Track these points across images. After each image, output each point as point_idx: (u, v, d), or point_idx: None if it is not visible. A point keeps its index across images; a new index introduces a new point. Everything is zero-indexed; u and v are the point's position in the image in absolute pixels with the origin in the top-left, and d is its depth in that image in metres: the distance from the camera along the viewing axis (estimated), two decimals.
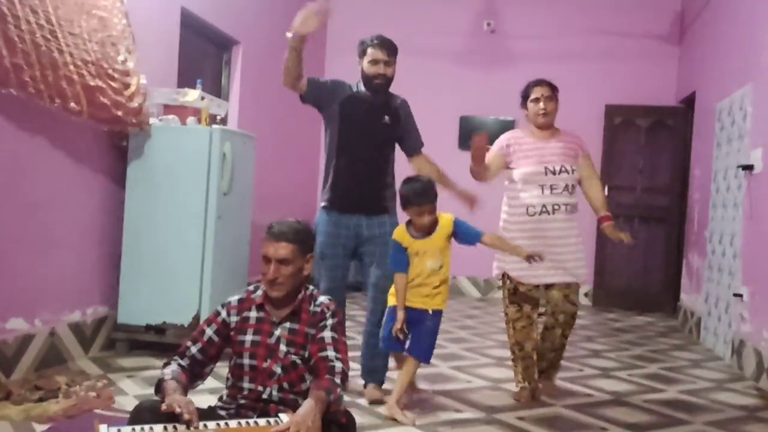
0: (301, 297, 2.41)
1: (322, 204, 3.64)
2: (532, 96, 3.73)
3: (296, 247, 2.36)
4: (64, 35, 3.61)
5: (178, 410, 2.02)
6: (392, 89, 3.72)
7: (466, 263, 5.94)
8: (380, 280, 3.56)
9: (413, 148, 3.81)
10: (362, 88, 3.62)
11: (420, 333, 3.35)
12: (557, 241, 3.61)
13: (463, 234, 3.36)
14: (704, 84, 6.43)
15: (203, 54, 5.73)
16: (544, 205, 3.60)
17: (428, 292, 3.35)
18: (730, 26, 5.66)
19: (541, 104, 3.69)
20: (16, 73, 3.29)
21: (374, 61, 3.55)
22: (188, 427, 2.03)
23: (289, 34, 3.28)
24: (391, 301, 3.41)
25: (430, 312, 3.36)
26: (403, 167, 3.78)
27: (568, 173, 3.64)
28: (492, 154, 3.69)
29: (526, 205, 3.63)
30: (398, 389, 3.34)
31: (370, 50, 3.55)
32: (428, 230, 3.33)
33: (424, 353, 3.38)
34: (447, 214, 3.38)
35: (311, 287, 2.48)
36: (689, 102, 7.05)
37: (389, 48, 3.57)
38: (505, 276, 3.72)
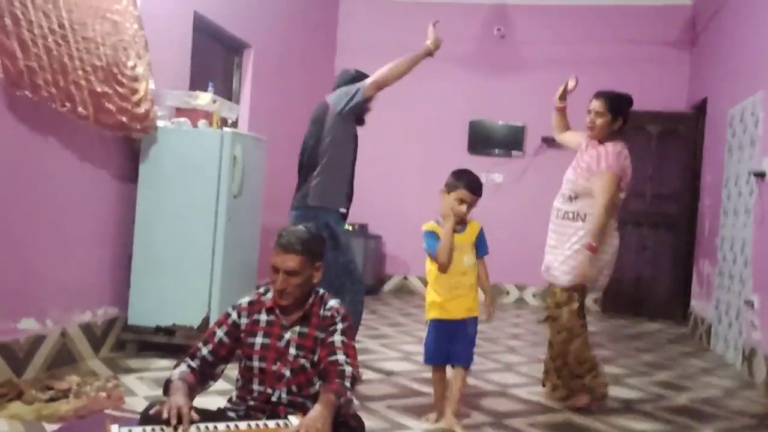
0: (311, 301, 2.42)
1: (344, 210, 3.96)
2: (588, 107, 3.74)
3: (304, 258, 2.36)
4: (77, 39, 3.64)
5: (165, 416, 2.05)
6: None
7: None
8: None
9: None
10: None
11: (463, 341, 3.35)
12: (553, 243, 3.77)
13: (480, 244, 3.37)
14: (716, 90, 6.41)
15: (215, 57, 5.76)
16: (553, 207, 3.81)
17: (463, 293, 3.31)
18: (741, 33, 5.64)
19: (587, 118, 3.72)
20: (29, 75, 3.32)
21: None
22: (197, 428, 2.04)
23: (430, 45, 3.82)
24: (432, 314, 3.37)
25: (467, 320, 3.34)
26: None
27: (571, 182, 3.71)
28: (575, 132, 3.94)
29: None
30: (454, 402, 3.33)
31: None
32: (459, 224, 3.33)
33: (468, 359, 3.37)
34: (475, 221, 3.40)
35: (321, 290, 2.49)
36: (700, 108, 7.02)
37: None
38: (579, 287, 3.65)
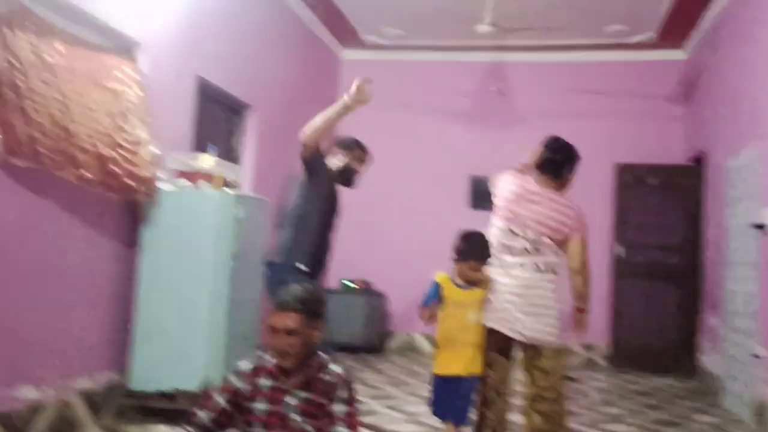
0: (313, 365, 2.39)
1: (304, 268, 3.76)
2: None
3: (303, 317, 2.34)
4: (76, 108, 3.70)
5: None
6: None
7: None
8: None
9: None
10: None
11: (457, 397, 3.34)
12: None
13: None
14: (713, 143, 6.46)
15: (216, 119, 5.83)
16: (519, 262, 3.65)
17: (462, 351, 3.32)
18: (735, 87, 5.71)
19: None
20: (30, 144, 3.36)
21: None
22: None
23: (346, 98, 3.60)
24: (435, 368, 3.41)
25: (467, 376, 3.33)
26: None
27: (537, 235, 3.59)
28: None
29: None
30: None
31: (368, 158, 4.13)
32: (473, 283, 3.41)
33: (462, 417, 3.35)
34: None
35: (323, 355, 2.46)
36: (699, 160, 7.07)
37: None
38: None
